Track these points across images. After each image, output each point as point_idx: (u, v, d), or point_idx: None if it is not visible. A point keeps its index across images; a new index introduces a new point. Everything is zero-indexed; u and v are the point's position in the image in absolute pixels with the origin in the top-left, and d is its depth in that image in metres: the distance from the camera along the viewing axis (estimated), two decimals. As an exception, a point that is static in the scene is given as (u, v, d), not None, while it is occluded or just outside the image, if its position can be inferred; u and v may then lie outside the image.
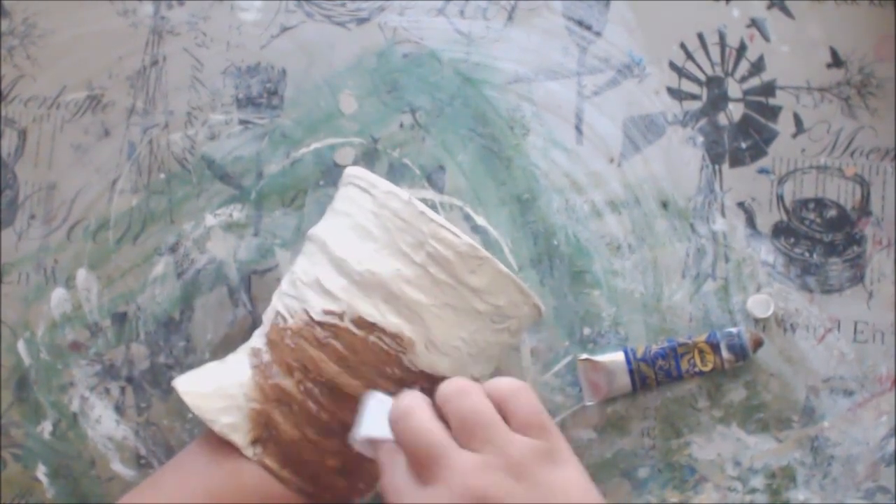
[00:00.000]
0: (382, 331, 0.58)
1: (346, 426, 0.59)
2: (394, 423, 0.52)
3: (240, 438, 0.58)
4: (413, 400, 0.52)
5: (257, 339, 0.62)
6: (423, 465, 0.50)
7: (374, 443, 0.54)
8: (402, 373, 0.59)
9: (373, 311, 0.58)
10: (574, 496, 0.50)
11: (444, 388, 0.52)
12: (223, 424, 0.58)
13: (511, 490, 0.49)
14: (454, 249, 0.58)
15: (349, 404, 0.59)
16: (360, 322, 0.58)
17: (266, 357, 0.60)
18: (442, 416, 0.52)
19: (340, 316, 0.58)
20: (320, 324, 0.59)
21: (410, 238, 0.58)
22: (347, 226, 0.60)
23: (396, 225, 0.59)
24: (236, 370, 0.60)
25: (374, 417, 0.54)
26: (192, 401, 0.59)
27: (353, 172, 0.62)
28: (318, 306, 0.59)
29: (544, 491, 0.50)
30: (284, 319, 0.60)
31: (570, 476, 0.51)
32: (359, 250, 0.59)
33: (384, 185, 0.60)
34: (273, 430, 0.58)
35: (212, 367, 0.62)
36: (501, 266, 0.59)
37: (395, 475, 0.51)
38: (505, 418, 0.51)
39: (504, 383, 0.52)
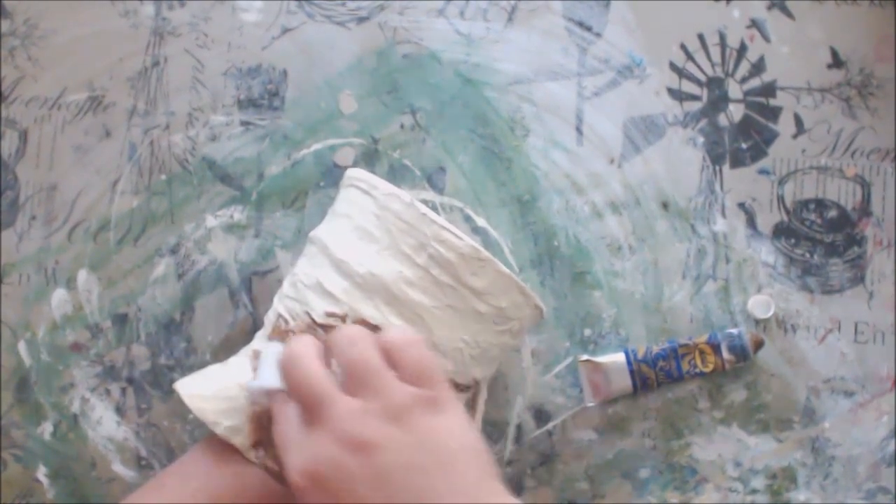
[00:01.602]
0: None
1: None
2: (284, 367, 0.54)
3: (242, 441, 0.58)
4: (301, 346, 0.54)
5: (259, 342, 0.62)
6: (309, 411, 0.52)
7: (269, 393, 0.55)
8: (403, 374, 0.59)
9: (374, 312, 0.58)
10: (453, 442, 0.52)
11: (334, 336, 0.54)
12: (225, 427, 0.58)
13: (389, 434, 0.51)
14: (456, 251, 0.58)
15: None
16: (363, 324, 0.58)
17: (267, 359, 0.60)
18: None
19: (342, 318, 0.58)
20: (322, 326, 0.59)
21: (412, 240, 0.58)
22: (349, 228, 0.60)
23: (398, 227, 0.59)
24: (238, 373, 0.60)
25: (268, 368, 0.56)
26: (194, 404, 0.59)
27: (354, 174, 0.62)
28: (319, 308, 0.59)
29: (422, 436, 0.51)
30: (286, 321, 0.60)
31: (451, 423, 0.52)
32: (360, 252, 0.59)
33: (385, 186, 0.60)
34: None
35: (213, 369, 0.62)
36: (503, 267, 0.59)
37: (284, 421, 0.53)
38: (394, 368, 0.53)
39: (395, 334, 0.54)
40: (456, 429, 0.53)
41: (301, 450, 0.52)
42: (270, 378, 0.55)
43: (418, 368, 0.53)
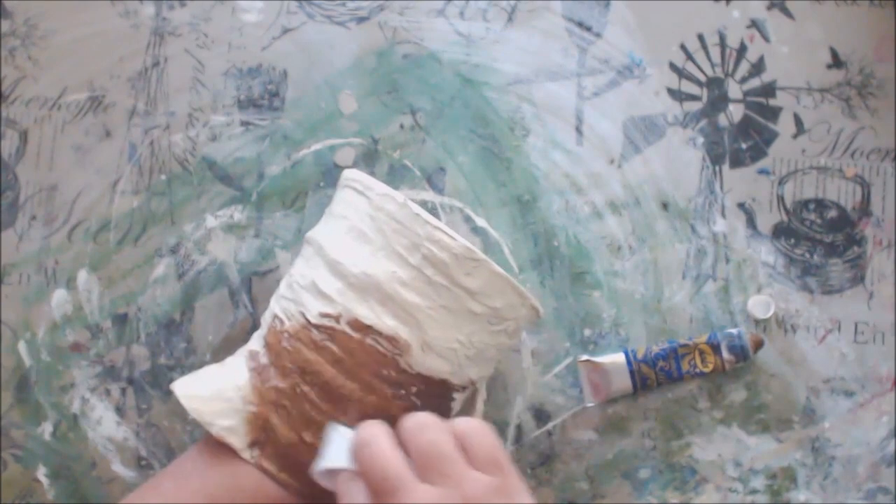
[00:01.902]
0: (378, 333, 0.58)
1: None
2: (356, 450, 0.53)
3: (238, 441, 0.58)
4: (375, 429, 0.53)
5: (255, 342, 0.62)
6: (381, 494, 0.51)
7: (333, 474, 0.55)
8: (399, 375, 0.59)
9: (369, 313, 0.58)
10: None
11: (406, 422, 0.53)
12: (221, 427, 0.58)
13: None
14: (450, 251, 0.58)
15: (346, 407, 0.59)
16: (356, 324, 0.58)
17: (263, 360, 0.60)
18: (404, 449, 0.53)
19: (336, 318, 0.58)
20: (317, 326, 0.59)
21: (406, 240, 0.58)
22: (344, 228, 0.60)
23: (392, 227, 0.59)
24: (234, 373, 0.60)
25: (335, 449, 0.55)
26: (191, 404, 0.59)
27: (350, 175, 0.62)
28: (314, 309, 0.59)
29: None
30: (282, 322, 0.60)
31: None
32: (354, 253, 0.59)
33: (380, 187, 0.60)
34: (270, 432, 0.58)
35: (210, 370, 0.62)
36: (497, 268, 0.59)
37: (352, 500, 0.52)
38: (465, 454, 0.52)
39: (465, 421, 0.54)
40: None
41: None
42: (338, 459, 0.54)
43: (490, 456, 0.53)
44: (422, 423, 0.53)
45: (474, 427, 0.53)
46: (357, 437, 0.53)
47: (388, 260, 0.58)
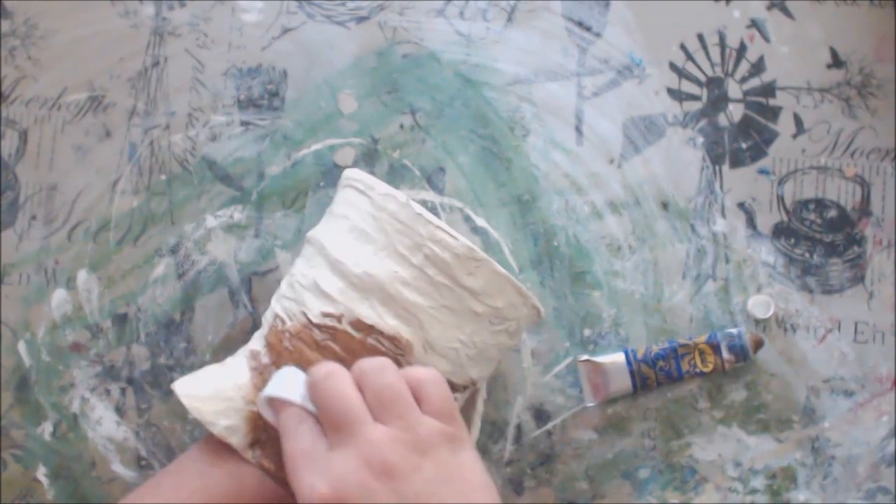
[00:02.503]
0: (380, 333, 0.58)
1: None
2: (314, 384, 0.54)
3: (238, 441, 0.58)
4: (334, 366, 0.55)
5: (256, 342, 0.62)
6: (336, 429, 0.53)
7: (277, 406, 0.55)
8: (400, 375, 0.59)
9: (370, 313, 0.58)
10: (472, 477, 0.54)
11: (363, 363, 0.55)
12: (222, 427, 0.58)
13: (416, 464, 0.52)
14: (451, 251, 0.58)
15: None
16: (358, 324, 0.58)
17: (264, 359, 0.60)
18: (360, 390, 0.54)
19: (338, 318, 0.58)
20: (318, 326, 0.59)
21: (408, 240, 0.58)
22: (345, 228, 0.60)
23: (394, 227, 0.59)
24: (235, 373, 0.60)
25: (285, 382, 0.56)
26: (191, 403, 0.59)
27: (351, 175, 0.62)
28: (315, 309, 0.59)
29: (447, 471, 0.53)
30: (283, 322, 0.60)
31: (470, 461, 0.54)
32: (356, 252, 0.59)
33: (382, 187, 0.60)
34: (271, 432, 0.58)
35: (211, 369, 0.62)
36: (499, 267, 0.59)
37: (302, 439, 0.53)
38: (417, 402, 0.54)
39: (421, 370, 0.55)
40: (476, 467, 0.54)
41: (326, 468, 0.52)
42: (285, 390, 0.55)
43: (442, 405, 0.54)
44: (380, 365, 0.54)
45: (429, 376, 0.55)
46: (316, 371, 0.54)
47: (390, 259, 0.58)
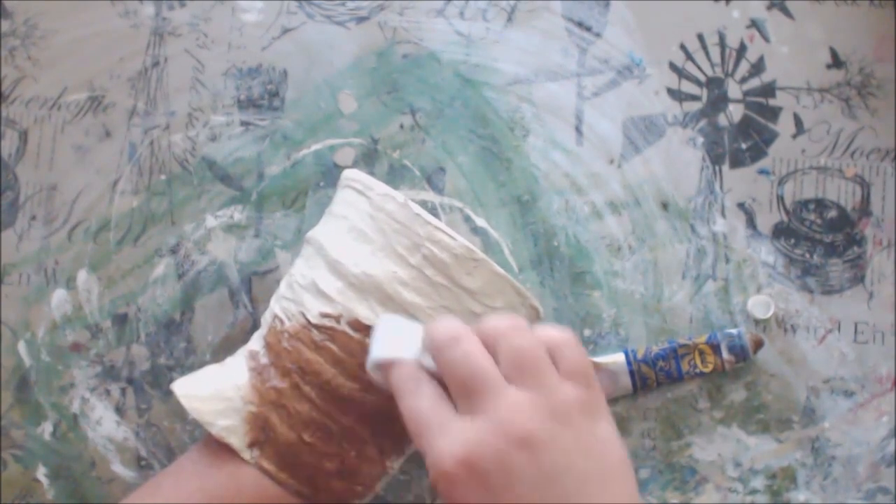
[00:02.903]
0: None
1: (343, 429, 0.59)
2: (440, 347, 0.51)
3: (237, 441, 0.58)
4: (460, 326, 0.51)
5: (255, 342, 0.62)
6: (467, 395, 0.50)
7: (386, 366, 0.53)
8: (399, 375, 0.59)
9: (369, 313, 0.58)
10: (609, 451, 0.51)
11: (496, 322, 0.52)
12: (221, 427, 0.58)
13: (555, 434, 0.49)
14: (450, 251, 0.58)
15: (346, 407, 0.59)
16: (357, 325, 0.58)
17: (263, 360, 0.60)
18: (492, 351, 0.51)
19: (337, 319, 0.58)
20: (317, 326, 0.59)
21: (406, 240, 0.58)
22: (344, 228, 0.60)
23: (392, 227, 0.59)
24: (234, 373, 0.60)
25: (390, 337, 0.53)
26: (190, 404, 0.59)
27: (350, 175, 0.62)
28: (314, 309, 0.59)
29: (588, 440, 0.50)
30: (282, 322, 0.60)
31: (609, 431, 0.51)
32: (355, 253, 0.59)
33: (380, 187, 0.60)
34: (270, 432, 0.58)
35: (210, 370, 0.62)
36: (498, 268, 0.59)
37: (422, 399, 0.51)
38: (553, 364, 0.51)
39: (556, 331, 0.52)
40: (615, 439, 0.51)
41: (458, 435, 0.49)
42: (404, 350, 0.53)
43: (579, 368, 0.51)
44: (516, 325, 0.51)
45: (566, 338, 0.52)
46: (437, 333, 0.51)
47: (388, 260, 0.58)
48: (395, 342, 0.54)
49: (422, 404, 0.51)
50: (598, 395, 0.52)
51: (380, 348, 0.54)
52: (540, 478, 0.49)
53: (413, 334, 0.54)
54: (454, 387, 0.51)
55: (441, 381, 0.52)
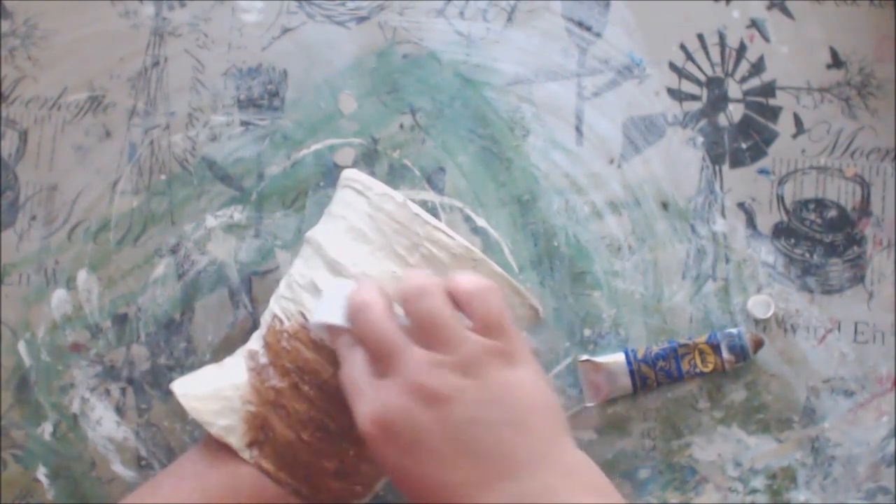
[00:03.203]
0: None
1: (343, 429, 0.59)
2: (352, 315, 0.54)
3: (236, 441, 0.58)
4: (370, 293, 0.54)
5: (254, 342, 0.62)
6: (378, 359, 0.53)
7: (331, 330, 0.56)
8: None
9: None
10: (525, 395, 0.52)
11: (405, 287, 0.54)
12: (220, 427, 0.58)
13: (461, 386, 0.51)
14: (449, 251, 0.58)
15: (345, 406, 0.58)
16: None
17: (262, 359, 0.60)
18: (405, 311, 0.53)
19: None
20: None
21: (405, 240, 0.58)
22: (343, 228, 0.60)
23: (391, 227, 0.59)
24: (233, 373, 0.60)
25: (335, 305, 0.55)
26: (189, 403, 0.59)
27: (349, 175, 0.62)
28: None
29: (494, 389, 0.51)
30: (281, 322, 0.60)
31: (523, 376, 0.53)
32: (354, 252, 0.59)
33: (379, 187, 0.60)
34: (269, 432, 0.58)
35: (209, 369, 0.62)
36: (497, 267, 0.59)
37: (354, 367, 0.54)
38: (467, 316, 0.53)
39: (467, 281, 0.54)
40: (528, 383, 0.53)
41: (372, 398, 0.52)
42: (335, 315, 0.55)
43: (489, 318, 0.53)
44: (421, 288, 0.53)
45: (478, 288, 0.53)
46: (352, 300, 0.54)
47: (387, 260, 0.58)
48: (335, 305, 0.55)
49: (353, 372, 0.54)
50: (514, 342, 0.53)
51: (322, 311, 0.56)
52: (448, 431, 0.51)
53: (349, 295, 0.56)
54: (369, 352, 0.53)
55: None
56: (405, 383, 0.51)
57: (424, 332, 0.53)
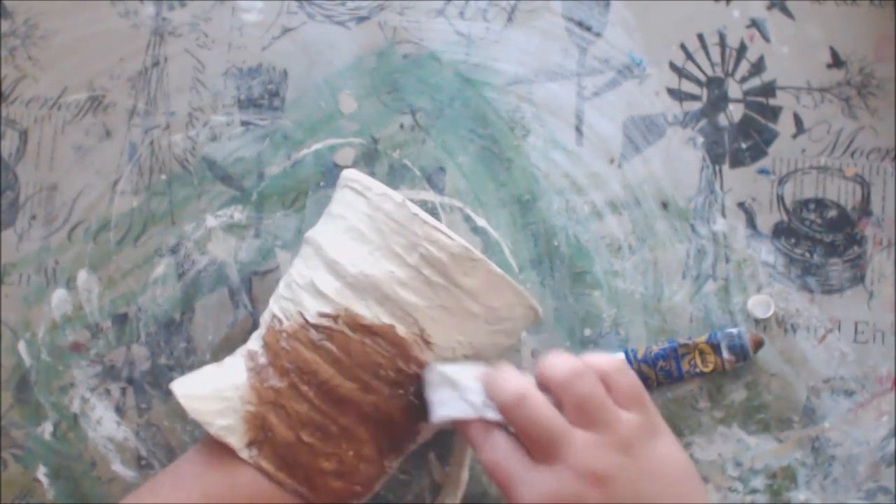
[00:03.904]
0: (376, 333, 0.58)
1: (342, 428, 0.59)
2: (509, 408, 0.55)
3: (236, 441, 0.58)
4: (523, 384, 0.55)
5: (254, 342, 0.62)
6: (541, 447, 0.54)
7: (453, 422, 0.57)
8: (397, 375, 0.59)
9: (367, 313, 0.58)
10: (674, 465, 0.55)
11: (557, 371, 0.55)
12: (219, 427, 0.58)
13: (624, 465, 0.54)
14: (447, 251, 0.58)
15: (344, 406, 0.59)
16: (355, 324, 0.58)
17: (262, 360, 0.60)
18: (556, 396, 0.55)
19: (335, 318, 0.58)
20: (315, 326, 0.59)
21: (404, 240, 0.58)
22: (342, 228, 0.60)
23: (390, 227, 0.59)
24: (232, 373, 0.60)
25: (446, 393, 0.57)
26: (189, 404, 0.59)
27: (349, 175, 0.62)
28: (312, 309, 0.59)
29: (651, 463, 0.54)
30: (280, 322, 0.60)
31: (669, 447, 0.56)
32: (353, 252, 0.59)
33: (378, 187, 0.60)
34: (269, 432, 0.58)
35: (209, 369, 0.62)
36: (495, 267, 0.59)
37: (498, 452, 0.55)
38: (609, 393, 0.55)
39: (604, 360, 0.56)
40: (675, 452, 0.56)
41: (538, 486, 0.53)
42: (456, 409, 0.56)
43: (633, 393, 0.55)
44: (575, 371, 0.54)
45: (616, 366, 0.56)
46: (506, 392, 0.55)
47: (385, 260, 0.58)
48: (451, 398, 0.57)
49: (499, 457, 0.55)
50: (653, 413, 0.56)
51: (441, 407, 0.57)
52: None
53: (468, 385, 0.57)
54: (528, 440, 0.55)
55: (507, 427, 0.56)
56: (575, 468, 0.53)
57: (585, 414, 0.54)
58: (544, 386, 0.55)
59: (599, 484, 0.53)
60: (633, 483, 0.53)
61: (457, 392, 0.57)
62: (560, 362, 0.55)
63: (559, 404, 0.55)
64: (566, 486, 0.53)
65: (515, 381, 0.55)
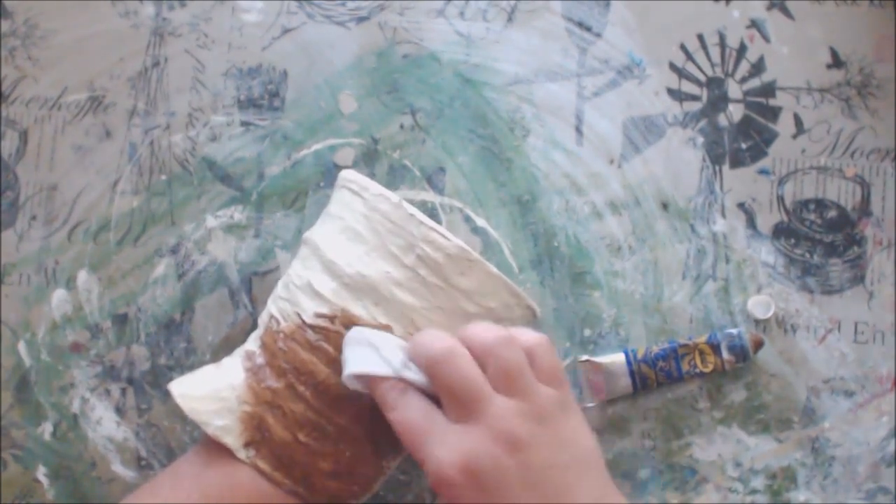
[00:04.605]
0: None
1: (338, 429, 0.59)
2: (435, 362, 0.55)
3: (232, 441, 0.58)
4: (451, 343, 0.55)
5: (252, 342, 0.62)
6: (460, 405, 0.55)
7: (364, 379, 0.56)
8: (394, 375, 0.59)
9: (363, 313, 0.58)
10: (582, 440, 0.56)
11: (483, 335, 0.56)
12: (216, 427, 0.58)
13: (538, 434, 0.55)
14: (444, 252, 0.58)
15: (341, 407, 0.59)
16: (351, 325, 0.58)
17: (259, 360, 0.60)
18: (481, 361, 0.56)
19: (331, 319, 0.59)
20: (312, 327, 0.59)
21: (400, 240, 0.58)
22: (339, 229, 0.60)
23: (386, 227, 0.59)
24: (230, 373, 0.60)
25: (367, 354, 0.56)
26: (186, 404, 0.59)
27: (347, 176, 0.62)
28: (309, 309, 0.59)
29: (562, 436, 0.55)
30: (277, 322, 0.60)
31: (579, 423, 0.57)
32: (349, 253, 0.59)
33: (375, 187, 0.60)
34: (266, 432, 0.58)
35: (207, 370, 0.62)
36: (492, 268, 0.59)
37: (412, 411, 0.55)
38: (532, 368, 0.56)
39: (531, 336, 0.57)
40: (584, 430, 0.57)
41: (455, 444, 0.54)
42: (371, 364, 0.56)
43: (553, 372, 0.57)
44: (503, 339, 0.56)
45: (541, 342, 0.57)
46: (434, 348, 0.55)
47: (382, 260, 0.58)
48: (369, 355, 0.56)
49: (415, 415, 0.55)
50: (568, 392, 0.58)
51: (356, 362, 0.57)
52: (529, 476, 0.54)
53: (387, 346, 0.57)
54: (449, 397, 0.55)
55: (423, 391, 0.56)
56: (491, 429, 0.54)
57: (505, 380, 0.55)
58: (471, 350, 0.56)
59: (514, 449, 0.54)
60: (545, 451, 0.54)
61: (375, 351, 0.56)
62: (488, 328, 0.56)
63: (482, 368, 0.55)
64: (482, 446, 0.53)
65: (445, 338, 0.56)
